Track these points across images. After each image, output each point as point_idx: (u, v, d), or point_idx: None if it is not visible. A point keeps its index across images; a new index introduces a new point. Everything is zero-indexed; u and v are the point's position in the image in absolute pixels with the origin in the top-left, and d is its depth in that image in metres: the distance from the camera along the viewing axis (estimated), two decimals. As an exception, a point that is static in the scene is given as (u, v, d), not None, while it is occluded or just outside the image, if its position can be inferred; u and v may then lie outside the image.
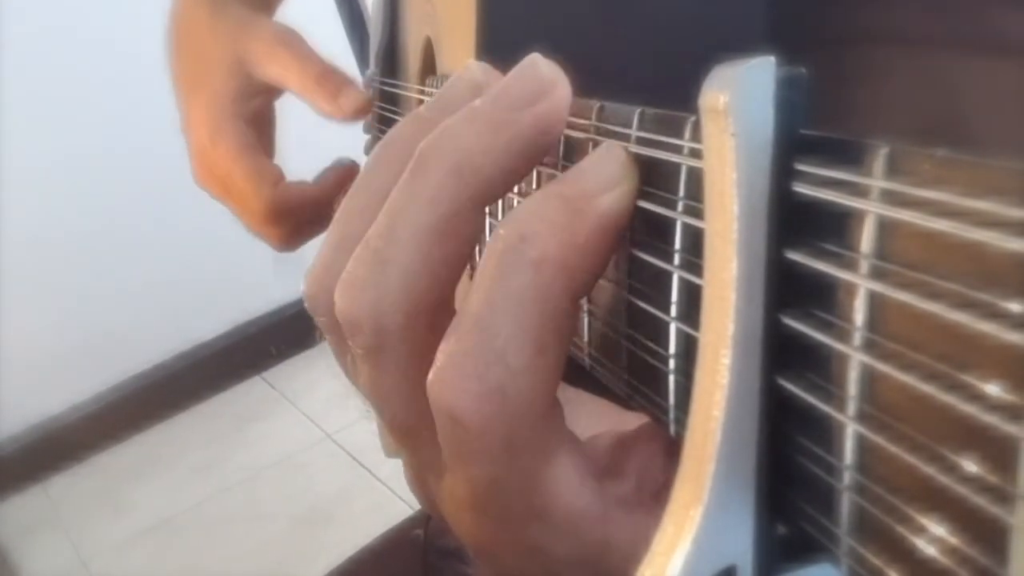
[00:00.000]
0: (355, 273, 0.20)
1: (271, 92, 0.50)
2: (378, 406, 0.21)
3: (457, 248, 0.19)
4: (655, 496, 0.20)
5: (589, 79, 0.20)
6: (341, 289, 0.20)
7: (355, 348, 0.20)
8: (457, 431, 0.18)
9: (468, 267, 0.20)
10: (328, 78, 0.47)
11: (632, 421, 0.20)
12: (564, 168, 0.21)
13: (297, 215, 0.49)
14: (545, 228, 0.17)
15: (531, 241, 0.17)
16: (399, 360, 0.20)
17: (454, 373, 0.17)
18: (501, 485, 0.18)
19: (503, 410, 0.17)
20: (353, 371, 0.22)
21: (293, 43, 0.48)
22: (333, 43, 0.57)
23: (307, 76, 0.46)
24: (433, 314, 0.19)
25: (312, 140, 0.52)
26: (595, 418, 0.23)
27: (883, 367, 0.12)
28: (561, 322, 0.18)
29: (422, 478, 0.22)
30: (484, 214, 0.20)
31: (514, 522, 0.19)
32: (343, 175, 0.51)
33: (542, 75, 0.19)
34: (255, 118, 0.50)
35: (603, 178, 0.18)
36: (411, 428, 0.21)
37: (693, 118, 0.16)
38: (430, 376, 0.18)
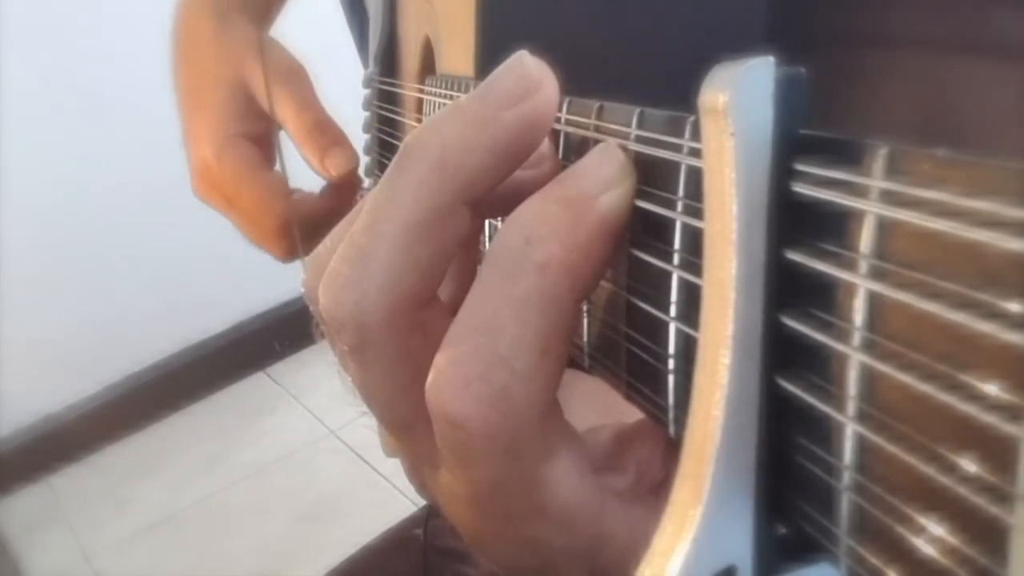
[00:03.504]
0: (338, 270, 0.20)
1: (273, 121, 0.50)
2: (367, 402, 0.21)
3: (441, 245, 0.19)
4: (653, 491, 0.20)
5: (588, 79, 0.20)
6: (324, 287, 0.20)
7: (340, 345, 0.20)
8: (458, 435, 0.18)
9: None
10: (320, 133, 0.47)
11: (628, 407, 0.20)
12: (564, 167, 0.21)
13: (306, 227, 0.49)
14: (548, 230, 0.17)
15: (536, 243, 0.17)
16: (383, 358, 0.20)
17: (456, 377, 0.17)
18: (502, 485, 0.18)
19: (507, 414, 0.17)
20: (342, 364, 0.22)
21: (294, 84, 0.48)
22: (333, 41, 0.57)
23: (300, 126, 0.47)
24: (417, 312, 0.19)
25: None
26: (590, 400, 0.23)
27: (882, 367, 0.12)
28: (565, 324, 0.18)
29: (418, 470, 0.22)
30: (468, 211, 0.19)
31: (513, 518, 0.19)
32: (348, 185, 0.51)
33: (529, 73, 0.19)
34: (258, 137, 0.50)
35: (602, 178, 0.18)
36: (402, 424, 0.21)
37: (692, 118, 0.16)
38: (429, 381, 0.18)
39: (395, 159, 0.19)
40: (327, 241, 0.23)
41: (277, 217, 0.48)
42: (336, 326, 0.20)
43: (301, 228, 0.49)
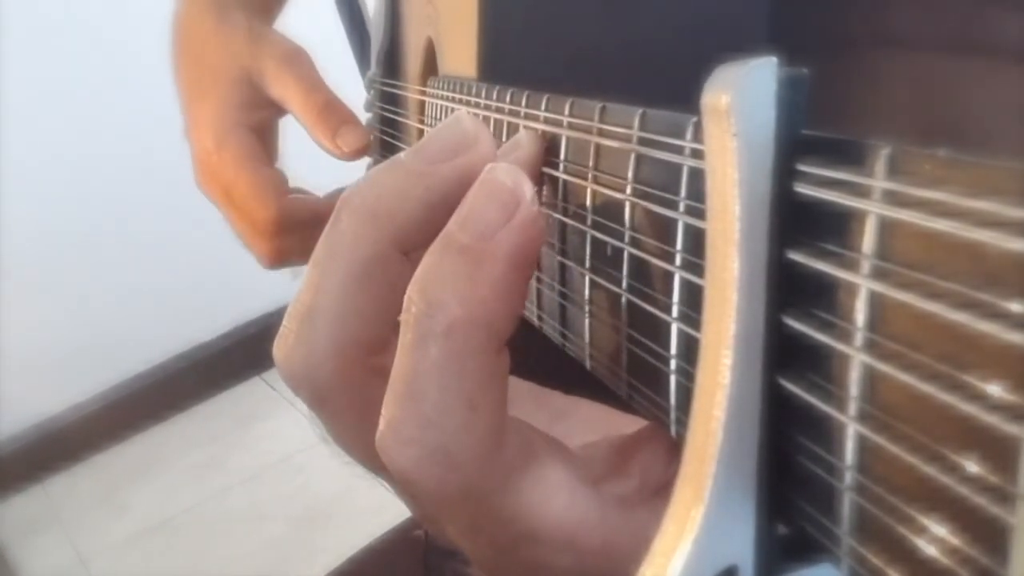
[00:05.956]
0: (288, 329, 0.20)
1: (278, 108, 0.49)
2: (347, 453, 0.22)
3: (381, 292, 0.19)
4: (658, 494, 0.19)
5: (590, 79, 0.20)
6: (276, 349, 0.20)
7: (304, 403, 0.21)
8: (412, 489, 0.18)
9: None
10: (330, 112, 0.46)
11: (630, 424, 0.20)
12: (570, 169, 0.22)
13: (301, 229, 0.48)
14: (447, 291, 0.17)
15: (437, 308, 0.17)
16: (342, 410, 0.20)
17: (394, 439, 0.18)
18: (478, 525, 0.19)
19: (450, 467, 0.17)
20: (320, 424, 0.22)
21: (300, 67, 0.47)
22: (332, 45, 0.57)
23: (310, 107, 0.46)
24: (369, 359, 0.20)
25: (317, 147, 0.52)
26: (590, 425, 0.23)
27: (884, 367, 0.12)
28: (487, 373, 0.18)
29: (416, 510, 0.22)
30: (406, 260, 0.20)
31: (507, 549, 0.19)
32: None
33: (464, 130, 0.20)
34: (260, 128, 0.49)
35: (495, 212, 0.18)
36: (382, 470, 0.21)
37: (695, 119, 0.16)
38: (376, 440, 0.18)
39: (333, 214, 0.20)
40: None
41: (271, 213, 0.47)
42: (293, 385, 0.20)
43: (294, 230, 0.48)
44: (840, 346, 0.13)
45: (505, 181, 0.18)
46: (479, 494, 0.18)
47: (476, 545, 0.20)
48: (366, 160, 0.53)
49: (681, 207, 0.17)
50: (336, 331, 0.19)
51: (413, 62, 0.45)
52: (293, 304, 0.20)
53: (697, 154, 0.16)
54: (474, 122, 0.20)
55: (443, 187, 0.19)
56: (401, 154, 0.20)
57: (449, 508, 0.18)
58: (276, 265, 0.50)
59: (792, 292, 0.14)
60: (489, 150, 0.20)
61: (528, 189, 0.18)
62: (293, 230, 0.48)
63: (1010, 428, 0.10)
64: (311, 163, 0.52)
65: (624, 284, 0.19)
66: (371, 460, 0.21)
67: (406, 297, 0.18)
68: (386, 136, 0.49)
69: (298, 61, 0.48)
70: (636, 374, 0.19)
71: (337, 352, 0.20)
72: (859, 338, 0.12)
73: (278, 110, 0.50)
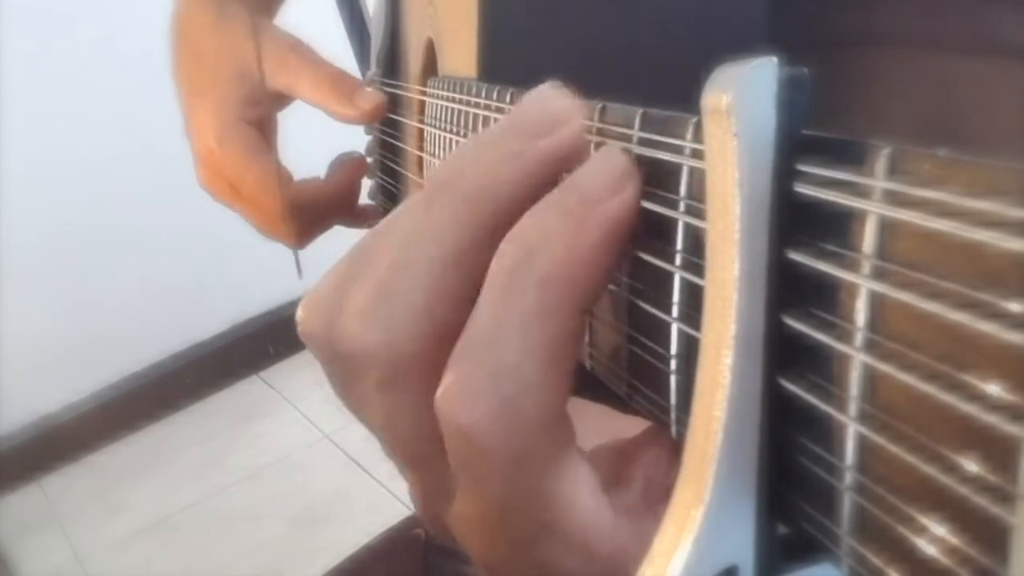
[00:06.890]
0: (371, 303, 0.20)
1: (278, 101, 0.50)
2: (385, 435, 0.21)
3: (473, 276, 0.19)
4: (660, 500, 0.19)
5: (590, 80, 0.20)
6: (355, 321, 0.20)
7: (366, 379, 0.20)
8: (467, 448, 0.18)
9: None
10: (342, 82, 0.47)
11: (632, 426, 0.20)
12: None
13: (311, 213, 0.49)
14: (549, 243, 0.17)
15: (536, 257, 0.17)
16: (412, 390, 0.20)
17: (464, 389, 0.17)
18: (510, 502, 0.18)
19: (513, 425, 0.17)
20: (356, 401, 0.21)
21: (303, 50, 0.48)
22: (333, 44, 0.57)
23: (321, 80, 0.46)
24: (449, 341, 0.19)
25: (314, 141, 0.52)
26: (595, 427, 0.23)
27: (884, 367, 0.12)
28: (570, 335, 0.17)
29: (431, 504, 0.22)
30: (497, 242, 0.19)
31: (525, 538, 0.19)
32: (352, 169, 0.51)
33: (558, 105, 0.19)
34: (259, 123, 0.50)
35: (605, 183, 0.18)
36: (423, 455, 0.21)
37: (695, 119, 0.16)
38: (438, 393, 0.18)
39: (426, 194, 0.20)
40: (328, 281, 0.22)
41: (282, 203, 0.48)
42: (365, 360, 0.20)
43: (306, 213, 0.49)
44: (840, 346, 0.13)
45: (623, 157, 0.18)
46: (528, 467, 0.18)
47: (496, 532, 0.19)
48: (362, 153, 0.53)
49: (681, 207, 0.17)
50: (424, 314, 0.19)
51: (413, 62, 0.45)
52: (375, 280, 0.19)
53: (697, 154, 0.16)
54: (565, 96, 0.19)
55: (540, 166, 0.19)
56: (488, 132, 0.20)
57: (492, 474, 0.18)
58: (301, 244, 0.50)
59: (792, 292, 0.14)
60: (582, 125, 0.19)
61: (638, 173, 0.18)
62: (304, 214, 0.49)
63: (1010, 428, 0.10)
64: (309, 161, 0.52)
65: (624, 284, 0.19)
66: (417, 447, 0.20)
67: (500, 248, 0.18)
68: (386, 136, 0.49)
69: (300, 47, 0.48)
70: (636, 374, 0.19)
71: (423, 334, 0.19)
72: (859, 338, 0.12)
73: (278, 104, 0.50)
